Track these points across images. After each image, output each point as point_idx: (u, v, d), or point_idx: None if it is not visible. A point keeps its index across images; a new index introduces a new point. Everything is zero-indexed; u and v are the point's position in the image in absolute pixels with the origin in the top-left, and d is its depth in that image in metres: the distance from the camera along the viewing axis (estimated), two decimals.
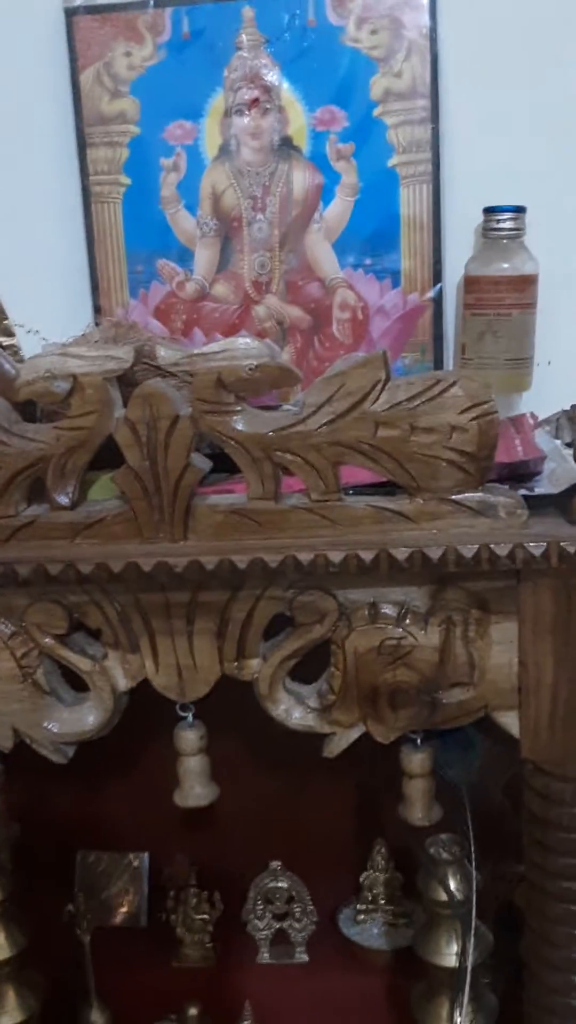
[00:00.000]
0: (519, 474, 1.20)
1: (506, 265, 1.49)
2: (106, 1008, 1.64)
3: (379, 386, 1.06)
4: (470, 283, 1.50)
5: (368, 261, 1.51)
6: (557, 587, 1.12)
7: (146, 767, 1.73)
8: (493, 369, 1.47)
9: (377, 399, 1.06)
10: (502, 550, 1.08)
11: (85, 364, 1.07)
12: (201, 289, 1.55)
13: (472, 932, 1.27)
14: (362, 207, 1.52)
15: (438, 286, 1.52)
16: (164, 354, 1.07)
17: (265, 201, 1.53)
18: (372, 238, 1.52)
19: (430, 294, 1.52)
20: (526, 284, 1.49)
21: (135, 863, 1.85)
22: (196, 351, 1.08)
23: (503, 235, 1.49)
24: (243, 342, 1.06)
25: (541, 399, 1.48)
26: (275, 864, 1.72)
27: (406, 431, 1.07)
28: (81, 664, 1.18)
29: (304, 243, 1.54)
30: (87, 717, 1.20)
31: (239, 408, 1.08)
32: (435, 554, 1.08)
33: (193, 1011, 1.63)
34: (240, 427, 1.08)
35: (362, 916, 1.70)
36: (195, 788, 1.23)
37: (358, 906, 1.71)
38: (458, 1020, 1.26)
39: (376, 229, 1.52)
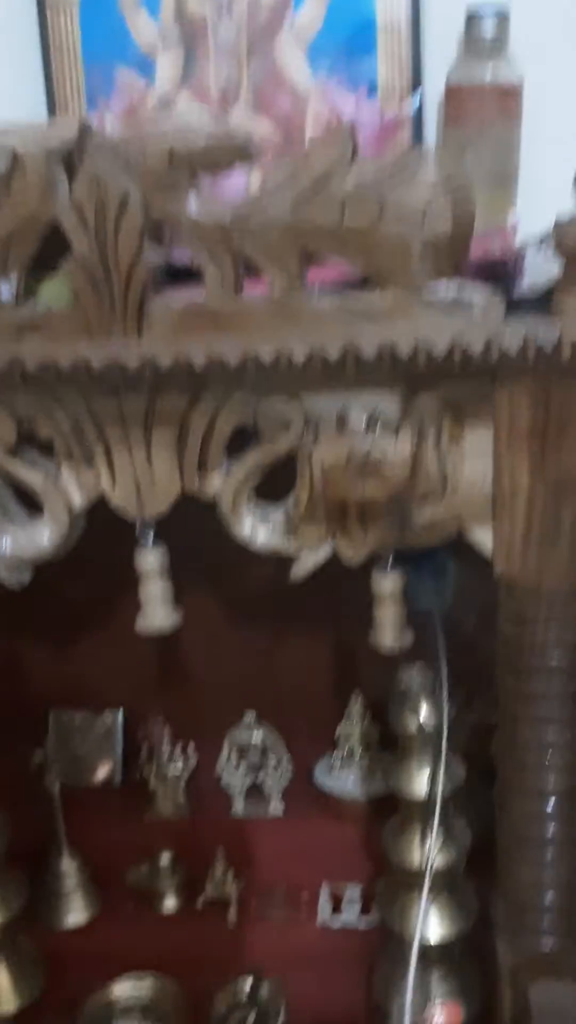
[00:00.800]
0: (496, 275, 1.13)
1: (488, 75, 1.39)
2: (76, 855, 1.64)
3: (345, 163, 0.98)
4: (451, 94, 1.40)
5: (343, 69, 1.42)
6: (535, 390, 1.05)
7: (118, 622, 1.70)
8: (475, 186, 1.38)
9: (344, 178, 0.99)
10: (476, 347, 1.01)
11: (26, 142, 0.99)
12: (164, 100, 1.45)
13: (443, 761, 1.25)
14: (336, 10, 1.41)
15: (418, 95, 1.42)
16: (112, 129, 0.99)
17: (232, 3, 1.42)
18: (347, 44, 1.42)
19: (409, 105, 1.42)
20: (510, 95, 1.39)
21: (108, 721, 1.84)
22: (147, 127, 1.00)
23: (487, 42, 1.39)
24: (197, 115, 0.98)
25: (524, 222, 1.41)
26: (250, 716, 1.70)
27: (374, 214, 0.99)
28: (32, 478, 1.13)
29: (274, 50, 1.44)
30: (42, 535, 1.15)
31: (193, 190, 1.00)
32: (405, 352, 1.01)
33: (166, 859, 1.63)
34: (195, 211, 1.01)
35: (338, 768, 1.69)
36: (157, 612, 1.19)
37: (334, 757, 1.69)
38: (429, 846, 1.25)
39: (351, 34, 1.42)
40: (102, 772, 1.81)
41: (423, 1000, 1.34)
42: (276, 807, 1.70)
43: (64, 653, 1.80)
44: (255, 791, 1.73)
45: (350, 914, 1.58)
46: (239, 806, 1.71)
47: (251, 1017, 1.40)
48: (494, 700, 1.22)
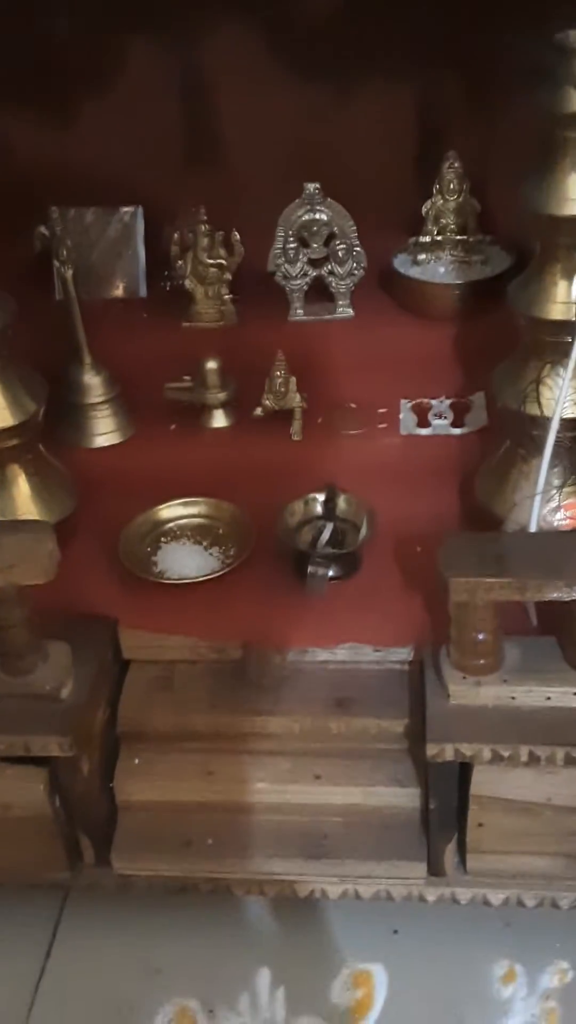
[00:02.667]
0: None
1: None
2: (102, 369, 1.35)
3: None
4: None
5: None
6: None
7: (131, 84, 1.31)
8: None
9: None
10: None
11: None
12: None
13: None
14: None
15: None
16: None
17: None
18: None
19: None
20: None
21: (126, 219, 1.48)
22: None
23: None
24: None
25: None
26: (312, 187, 1.33)
27: None
28: None
29: None
30: None
31: None
32: None
33: (212, 368, 1.34)
34: None
35: (424, 255, 1.35)
36: None
37: (420, 240, 1.34)
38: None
39: None
40: (121, 283, 1.49)
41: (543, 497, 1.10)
42: (345, 308, 1.38)
43: (65, 137, 1.40)
44: (318, 289, 1.42)
45: (440, 427, 1.32)
46: (299, 308, 1.38)
47: (326, 531, 1.18)
48: None
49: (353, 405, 1.35)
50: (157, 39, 1.40)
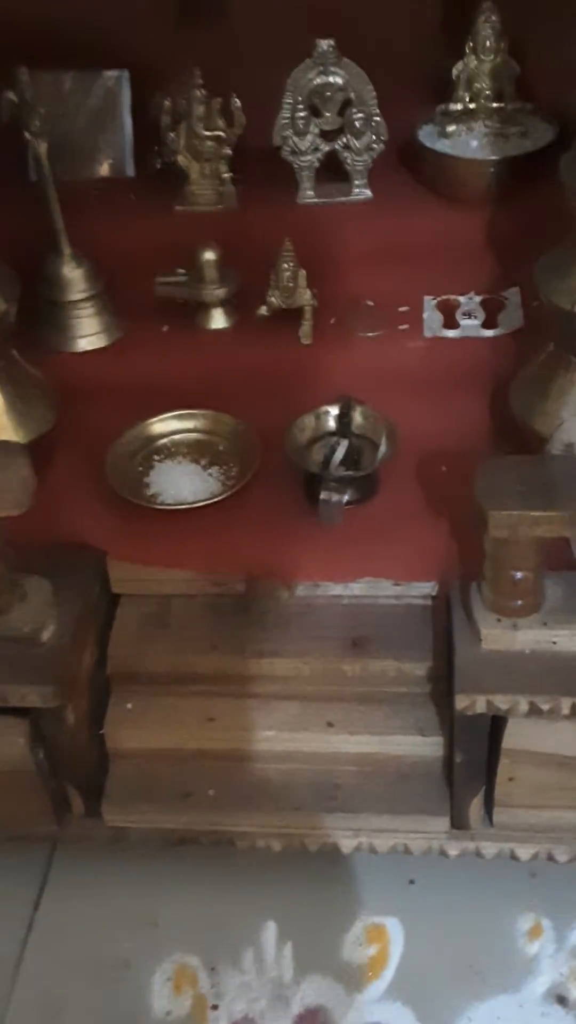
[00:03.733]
0: None
1: None
2: (83, 261, 1.24)
3: None
4: None
5: None
6: None
7: None
8: None
9: None
10: None
11: None
12: None
13: None
14: None
15: None
16: None
17: None
18: None
19: None
20: None
21: (110, 83, 1.33)
22: None
23: None
24: None
25: None
26: (326, 45, 1.17)
27: None
28: None
29: None
30: None
31: None
32: None
33: (209, 259, 1.22)
34: None
35: (454, 126, 1.21)
36: None
37: (449, 108, 1.20)
38: None
39: None
40: (105, 160, 1.35)
41: None
42: (362, 189, 1.25)
43: None
44: (331, 167, 1.30)
45: (469, 328, 1.20)
46: (309, 189, 1.25)
47: (340, 450, 1.08)
48: None
49: (370, 303, 1.25)
50: None
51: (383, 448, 1.07)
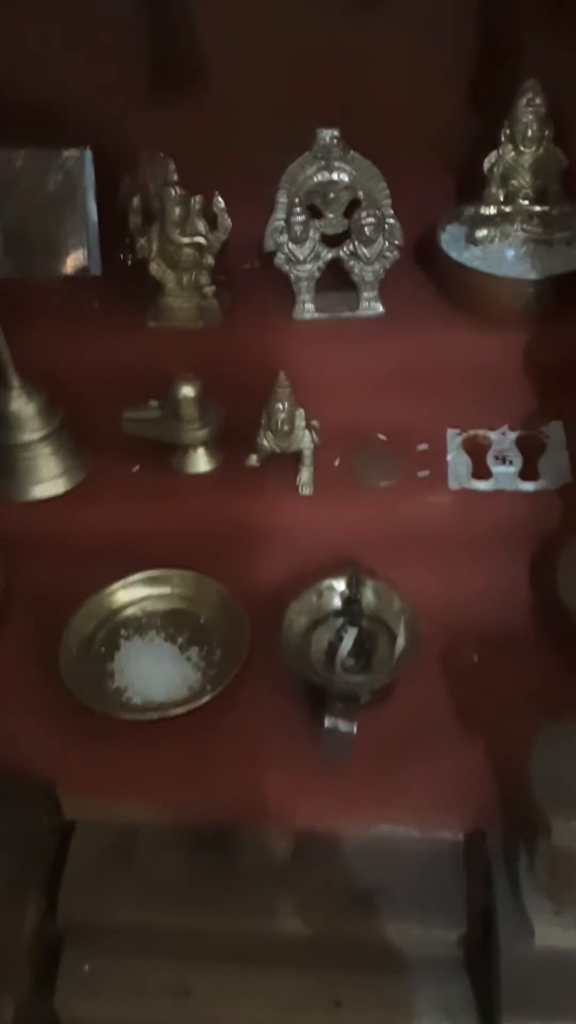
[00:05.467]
0: None
1: None
2: (35, 390, 1.08)
3: None
4: None
5: None
6: None
7: None
8: None
9: None
10: None
11: None
12: None
13: None
14: None
15: None
16: None
17: None
18: None
19: None
20: None
21: (70, 164, 1.19)
22: None
23: None
24: None
25: None
26: (329, 136, 1.07)
27: None
28: None
29: None
30: None
31: None
32: None
33: (188, 391, 1.07)
34: None
35: (485, 231, 1.06)
36: None
37: (480, 210, 1.04)
38: None
39: None
40: (70, 258, 1.22)
41: None
42: (372, 302, 1.10)
43: None
44: (334, 273, 1.17)
45: (503, 477, 1.06)
46: (308, 302, 1.11)
47: (348, 638, 0.92)
48: None
49: (382, 437, 1.08)
50: None
51: (401, 642, 0.93)
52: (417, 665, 0.94)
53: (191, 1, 1.08)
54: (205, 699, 0.93)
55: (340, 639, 0.97)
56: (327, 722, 0.87)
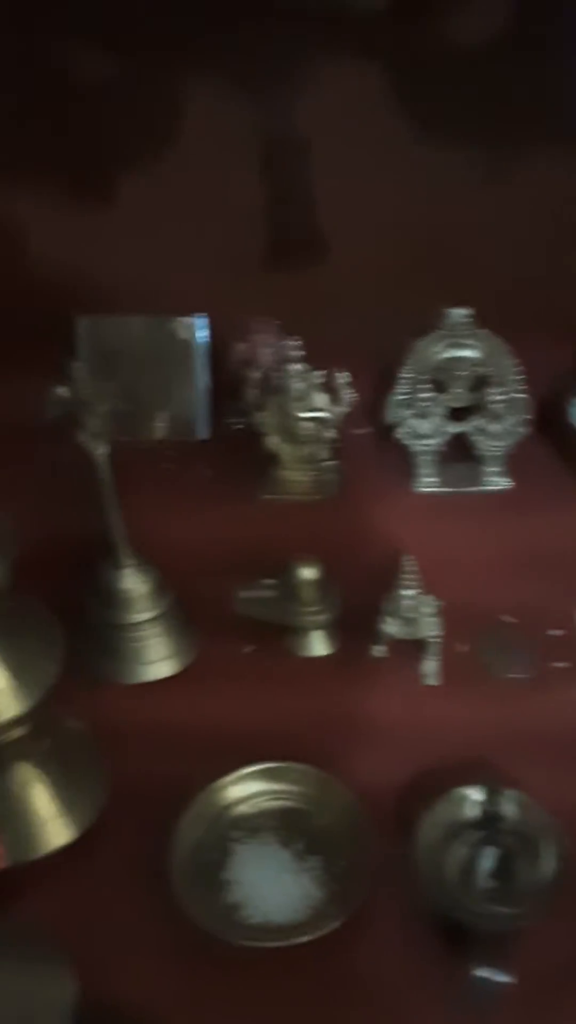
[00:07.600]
0: None
1: None
2: (146, 566, 1.04)
3: None
4: None
5: None
6: None
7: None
8: None
9: None
10: None
11: None
12: None
13: None
14: None
15: None
16: None
17: None
18: None
19: None
20: None
21: (181, 332, 1.17)
22: None
23: None
24: None
25: None
26: (459, 315, 1.01)
27: None
28: None
29: None
30: None
31: None
32: None
33: (308, 574, 1.02)
34: None
35: None
36: None
37: None
38: None
39: None
40: (173, 418, 1.24)
41: None
42: (498, 477, 1.04)
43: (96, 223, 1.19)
44: (456, 445, 1.14)
45: None
46: (429, 475, 1.05)
47: (485, 860, 0.84)
48: None
49: (511, 619, 1.00)
50: (225, 86, 1.10)
51: (553, 864, 0.83)
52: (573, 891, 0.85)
53: (309, 172, 1.08)
54: (335, 925, 0.83)
55: (478, 857, 0.92)
56: (478, 971, 0.81)
